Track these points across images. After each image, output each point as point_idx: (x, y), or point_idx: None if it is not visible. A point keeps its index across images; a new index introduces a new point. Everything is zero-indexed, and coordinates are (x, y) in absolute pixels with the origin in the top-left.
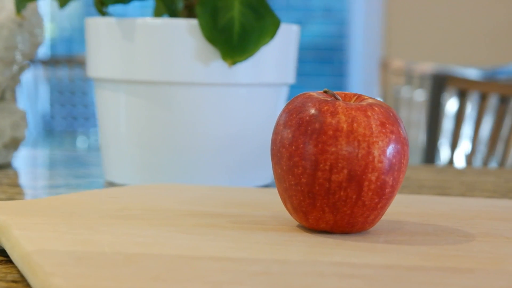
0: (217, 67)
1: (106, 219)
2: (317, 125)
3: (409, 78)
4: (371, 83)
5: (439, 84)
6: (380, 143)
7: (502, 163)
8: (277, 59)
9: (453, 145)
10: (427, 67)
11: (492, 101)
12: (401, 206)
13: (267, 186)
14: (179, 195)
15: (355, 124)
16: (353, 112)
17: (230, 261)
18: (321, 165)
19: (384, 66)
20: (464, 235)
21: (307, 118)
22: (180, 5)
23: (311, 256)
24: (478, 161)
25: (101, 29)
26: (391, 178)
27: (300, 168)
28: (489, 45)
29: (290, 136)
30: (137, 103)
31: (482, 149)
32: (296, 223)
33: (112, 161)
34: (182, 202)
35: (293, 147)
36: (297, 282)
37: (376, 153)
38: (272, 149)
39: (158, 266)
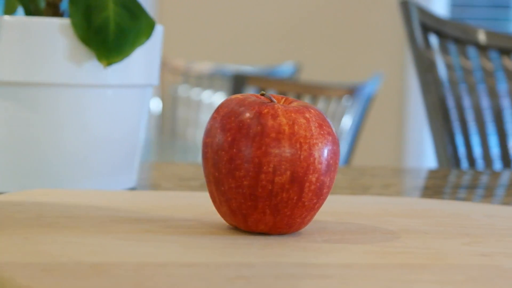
0: (87, 68)
1: (35, 228)
2: (259, 128)
3: (186, 77)
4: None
5: (239, 83)
6: (319, 144)
7: None
8: (146, 60)
9: None
10: (204, 66)
11: None
12: None
13: (133, 189)
14: (83, 201)
15: (296, 127)
16: (292, 114)
17: (198, 267)
18: (264, 168)
19: (163, 65)
20: (388, 232)
21: (248, 120)
22: (42, 4)
23: (270, 258)
24: None
25: None
26: (328, 179)
27: (243, 171)
28: (264, 45)
29: (230, 139)
30: None
31: None
32: (226, 225)
33: None
34: (93, 208)
35: (234, 150)
36: (276, 285)
37: (316, 154)
38: (206, 152)
39: (131, 275)
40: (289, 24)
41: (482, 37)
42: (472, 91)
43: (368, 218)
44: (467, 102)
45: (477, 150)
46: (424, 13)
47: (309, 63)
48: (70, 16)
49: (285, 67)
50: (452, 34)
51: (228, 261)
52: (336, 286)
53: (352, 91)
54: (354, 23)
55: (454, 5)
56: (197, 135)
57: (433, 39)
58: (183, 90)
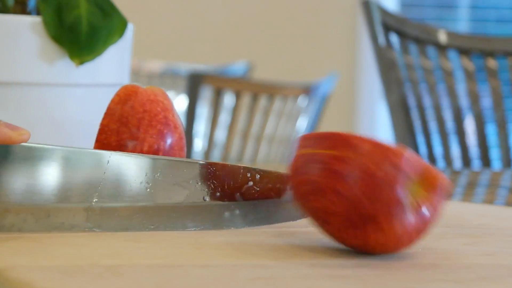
0: (58, 66)
1: (40, 233)
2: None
3: (137, 76)
4: None
5: (195, 82)
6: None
7: (253, 160)
8: (117, 58)
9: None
10: (155, 65)
11: (245, 99)
12: None
13: None
14: None
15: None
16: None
17: (214, 268)
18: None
19: None
20: None
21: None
22: (10, 1)
23: (283, 259)
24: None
25: None
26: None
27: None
28: (216, 44)
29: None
30: None
31: (237, 144)
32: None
33: None
34: None
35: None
36: (295, 285)
37: None
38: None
39: (149, 277)
40: (241, 22)
41: (442, 37)
42: (432, 90)
43: None
44: (427, 102)
45: (438, 150)
46: (386, 13)
47: (261, 62)
48: (41, 14)
49: (238, 66)
50: (413, 34)
51: (242, 263)
52: (356, 286)
53: (308, 90)
54: (305, 22)
55: (404, 5)
56: None
57: (394, 39)
58: None
